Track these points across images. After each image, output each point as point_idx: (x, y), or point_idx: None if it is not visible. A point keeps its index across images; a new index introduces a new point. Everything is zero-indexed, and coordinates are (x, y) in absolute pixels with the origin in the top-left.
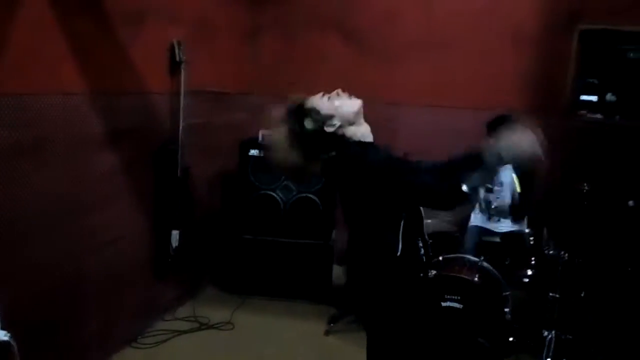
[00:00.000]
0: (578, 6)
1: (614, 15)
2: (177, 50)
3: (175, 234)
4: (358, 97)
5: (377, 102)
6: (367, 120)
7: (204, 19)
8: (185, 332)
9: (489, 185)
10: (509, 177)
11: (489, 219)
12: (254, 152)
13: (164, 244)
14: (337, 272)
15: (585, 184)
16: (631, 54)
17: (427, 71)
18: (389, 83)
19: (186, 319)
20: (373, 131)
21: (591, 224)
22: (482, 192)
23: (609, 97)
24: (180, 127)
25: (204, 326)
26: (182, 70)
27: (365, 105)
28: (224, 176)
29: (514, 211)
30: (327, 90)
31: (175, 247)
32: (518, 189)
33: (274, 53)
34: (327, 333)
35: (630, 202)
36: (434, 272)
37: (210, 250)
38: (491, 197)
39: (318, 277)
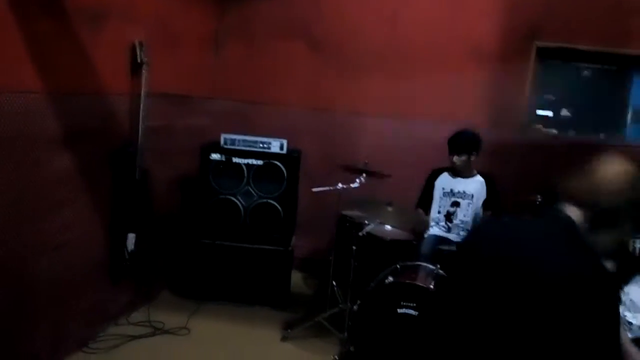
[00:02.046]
0: (536, 24)
1: (570, 34)
2: (138, 52)
3: (131, 237)
4: (321, 105)
5: (339, 112)
6: (329, 129)
7: (166, 20)
8: (139, 337)
9: (456, 199)
10: (478, 190)
11: (449, 231)
12: (215, 156)
13: (119, 247)
14: (296, 278)
15: (538, 196)
16: (586, 72)
17: (390, 83)
18: (352, 93)
19: (140, 323)
20: (335, 140)
21: None
22: (447, 206)
23: (564, 112)
24: (140, 130)
25: (158, 331)
26: (143, 72)
27: (327, 115)
28: (184, 180)
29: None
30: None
31: (131, 250)
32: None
33: (237, 58)
34: (284, 339)
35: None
36: (390, 279)
37: (168, 255)
38: (458, 211)
39: (276, 283)
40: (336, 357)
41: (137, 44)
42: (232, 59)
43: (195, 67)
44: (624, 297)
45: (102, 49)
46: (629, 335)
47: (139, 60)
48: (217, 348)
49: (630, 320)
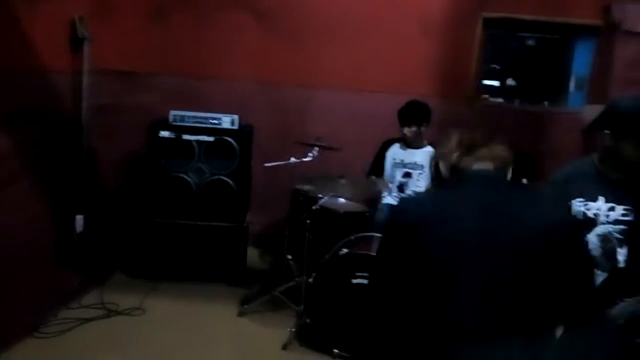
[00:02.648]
0: None
1: (514, 4)
2: (78, 26)
3: (79, 218)
4: (271, 79)
5: (290, 85)
6: (280, 102)
7: None
8: (92, 319)
9: (408, 170)
10: (428, 160)
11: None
12: (164, 133)
13: (67, 229)
14: (252, 254)
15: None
16: (530, 41)
17: (340, 55)
18: (302, 66)
19: (93, 306)
20: (286, 114)
21: None
22: (399, 177)
23: (510, 82)
24: (84, 107)
25: (112, 313)
26: (85, 48)
27: (278, 89)
28: (133, 159)
29: None
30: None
31: (80, 232)
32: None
33: (183, 32)
34: (240, 314)
35: (524, 180)
36: (345, 250)
37: (119, 235)
38: (409, 182)
39: (232, 260)
40: (292, 329)
41: (77, 18)
42: (178, 32)
43: (140, 42)
44: None
45: (40, 24)
46: None
47: (79, 36)
48: (173, 326)
49: None
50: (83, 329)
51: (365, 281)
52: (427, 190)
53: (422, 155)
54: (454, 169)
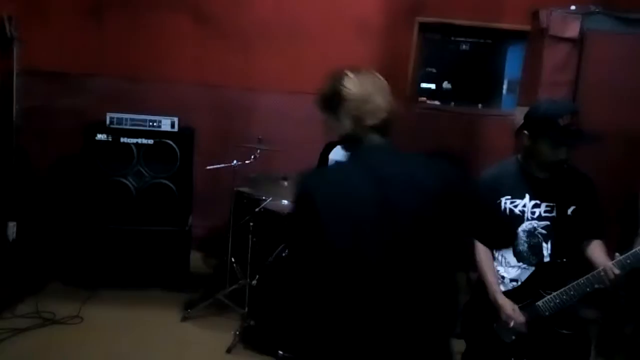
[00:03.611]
0: (417, 0)
1: (448, 10)
2: (7, 26)
3: (11, 225)
4: (212, 82)
5: (231, 87)
6: (221, 105)
7: None
8: (26, 329)
9: None
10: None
11: None
12: (100, 136)
13: None
14: (195, 258)
15: None
16: (464, 46)
17: (279, 57)
18: (242, 68)
19: (28, 315)
20: (228, 116)
21: None
22: None
23: (445, 85)
24: (14, 110)
25: (48, 322)
26: (15, 48)
27: (219, 91)
28: (69, 163)
29: None
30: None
31: (12, 240)
32: None
33: (119, 33)
34: (184, 319)
35: None
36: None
37: (55, 242)
38: None
39: (175, 264)
40: (237, 332)
41: (5, 18)
42: (114, 33)
43: (74, 43)
44: (497, 254)
45: None
46: (502, 289)
47: (8, 36)
48: (113, 334)
49: (503, 275)
50: (17, 339)
51: None
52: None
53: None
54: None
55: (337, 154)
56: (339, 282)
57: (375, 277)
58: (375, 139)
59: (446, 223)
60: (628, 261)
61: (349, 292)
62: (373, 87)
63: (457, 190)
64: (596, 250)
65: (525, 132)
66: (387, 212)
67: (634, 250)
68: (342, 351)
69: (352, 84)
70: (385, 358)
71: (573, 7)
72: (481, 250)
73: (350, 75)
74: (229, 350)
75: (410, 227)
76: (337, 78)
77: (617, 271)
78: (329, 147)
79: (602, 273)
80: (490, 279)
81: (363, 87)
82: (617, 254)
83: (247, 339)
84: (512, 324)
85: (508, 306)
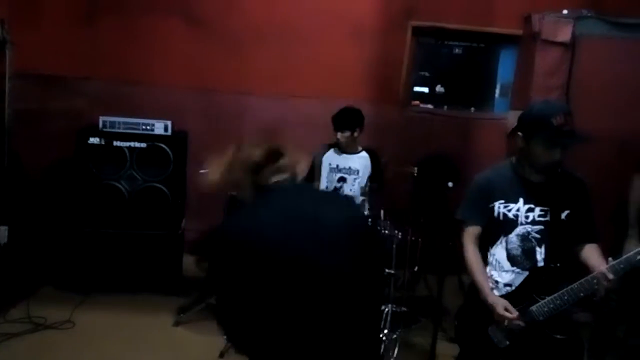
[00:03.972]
0: (410, 4)
1: (441, 14)
2: (0, 30)
3: (3, 229)
4: (205, 85)
5: (224, 91)
6: (215, 109)
7: None
8: (18, 334)
9: (343, 175)
10: (363, 166)
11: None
12: (93, 140)
13: None
14: (188, 262)
15: (415, 168)
16: (457, 50)
17: (273, 60)
18: (236, 72)
19: (19, 320)
20: (221, 120)
21: (418, 204)
22: (334, 182)
23: (438, 88)
24: (6, 113)
25: (40, 327)
26: (7, 51)
27: (213, 94)
28: (61, 166)
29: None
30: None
31: (4, 244)
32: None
33: (114, 36)
34: (176, 324)
35: (449, 184)
36: None
37: (47, 246)
38: (345, 186)
39: (168, 268)
40: None
41: None
42: (107, 36)
43: (67, 46)
44: (490, 258)
45: None
46: (496, 293)
47: (0, 39)
48: (105, 339)
49: (497, 279)
50: (8, 344)
51: None
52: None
53: (357, 160)
54: (256, 185)
55: (330, 157)
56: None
57: (289, 311)
58: (280, 177)
59: (351, 255)
60: (621, 266)
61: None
62: None
63: (359, 228)
64: (591, 254)
65: (519, 133)
66: (297, 248)
67: (626, 256)
68: None
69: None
70: None
71: (565, 12)
72: (470, 252)
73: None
74: (221, 355)
75: (318, 262)
76: None
77: (610, 276)
78: (323, 150)
79: (596, 278)
80: (481, 279)
81: None
82: (610, 258)
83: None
84: (506, 322)
85: (500, 304)
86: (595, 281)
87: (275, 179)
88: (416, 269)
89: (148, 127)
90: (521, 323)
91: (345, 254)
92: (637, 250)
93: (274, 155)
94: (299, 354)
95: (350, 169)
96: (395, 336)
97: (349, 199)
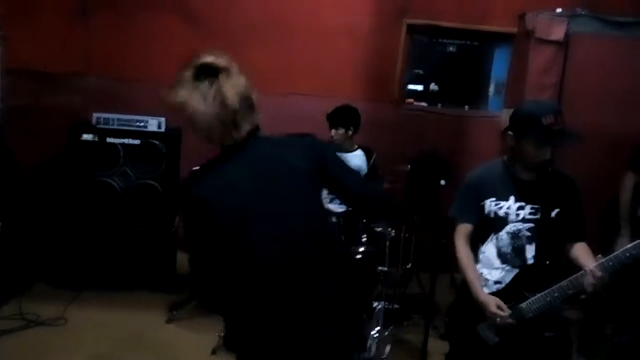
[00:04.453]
0: (404, 2)
1: (435, 12)
2: None
3: None
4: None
5: None
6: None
7: None
8: (10, 331)
9: None
10: (359, 164)
11: (330, 202)
12: (86, 136)
13: None
14: (182, 259)
15: (408, 165)
16: (451, 48)
17: (268, 58)
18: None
19: (11, 317)
20: None
21: (411, 202)
22: None
23: (433, 86)
24: None
25: (32, 323)
26: (0, 48)
27: None
28: (54, 163)
29: None
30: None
31: None
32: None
33: (108, 32)
34: (169, 321)
35: (442, 182)
36: None
37: (40, 243)
38: None
39: (161, 265)
40: (221, 334)
41: None
42: (101, 32)
43: (60, 42)
44: (480, 255)
45: None
46: (486, 291)
47: None
48: (97, 336)
49: (487, 277)
50: (1, 341)
51: None
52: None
53: (353, 158)
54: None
55: None
56: (237, 271)
57: (265, 250)
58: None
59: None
60: (610, 263)
61: (247, 279)
62: None
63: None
64: (581, 252)
65: (510, 132)
66: (266, 189)
67: (615, 253)
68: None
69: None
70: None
71: (559, 10)
72: (462, 250)
73: None
74: (214, 352)
75: (289, 198)
76: None
77: (599, 274)
78: None
79: (585, 276)
80: (472, 277)
81: None
82: (599, 256)
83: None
84: (498, 320)
85: (491, 302)
86: (584, 278)
87: (246, 127)
88: (409, 266)
89: (142, 124)
90: (512, 321)
91: (306, 180)
92: (625, 248)
93: (247, 99)
94: (261, 307)
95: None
96: (387, 333)
97: (306, 139)
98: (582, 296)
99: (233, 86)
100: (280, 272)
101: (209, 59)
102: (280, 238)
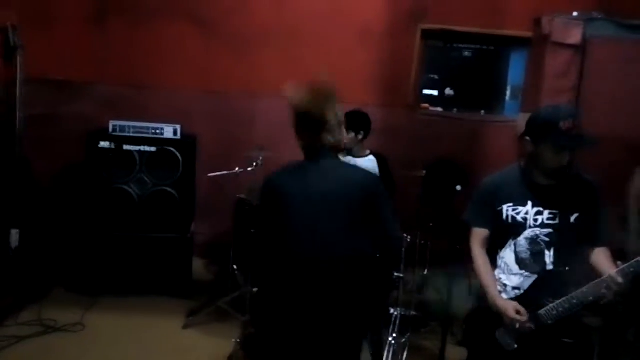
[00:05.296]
0: (419, 7)
1: (450, 17)
2: (11, 35)
3: (14, 233)
4: (214, 88)
5: (233, 93)
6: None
7: (41, 1)
8: (29, 337)
9: None
10: (370, 169)
11: None
12: (103, 144)
13: (1, 244)
14: (197, 265)
15: (423, 171)
16: (466, 52)
17: (282, 62)
18: (245, 74)
19: (30, 323)
20: (230, 123)
21: (427, 207)
22: None
23: (448, 91)
24: (18, 117)
25: (50, 329)
26: (18, 57)
27: (222, 97)
28: (72, 170)
29: None
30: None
31: (15, 247)
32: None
33: (122, 40)
34: (185, 327)
35: (458, 187)
36: None
37: (59, 250)
38: None
39: (177, 271)
40: (238, 340)
41: (9, 27)
42: (116, 41)
43: (77, 51)
44: (499, 261)
45: None
46: (505, 297)
47: (12, 44)
48: (115, 342)
49: (505, 282)
50: (19, 347)
51: None
52: (290, 164)
53: (365, 163)
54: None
55: None
56: (284, 247)
57: (308, 239)
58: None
59: (361, 208)
60: (631, 269)
61: (288, 257)
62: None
63: (371, 192)
64: (601, 258)
65: (527, 138)
66: (323, 197)
67: (636, 259)
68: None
69: None
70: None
71: (575, 14)
72: (477, 255)
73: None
74: (230, 358)
75: (337, 207)
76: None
77: (620, 280)
78: None
79: (605, 282)
80: (488, 282)
81: None
82: (619, 262)
83: (247, 346)
84: (517, 325)
85: (510, 308)
86: (604, 285)
87: (326, 140)
88: (425, 272)
89: (157, 131)
90: (532, 326)
91: (338, 224)
92: None
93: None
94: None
95: None
96: (404, 340)
97: (358, 172)
98: (603, 302)
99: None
100: (307, 264)
101: None
102: (316, 239)
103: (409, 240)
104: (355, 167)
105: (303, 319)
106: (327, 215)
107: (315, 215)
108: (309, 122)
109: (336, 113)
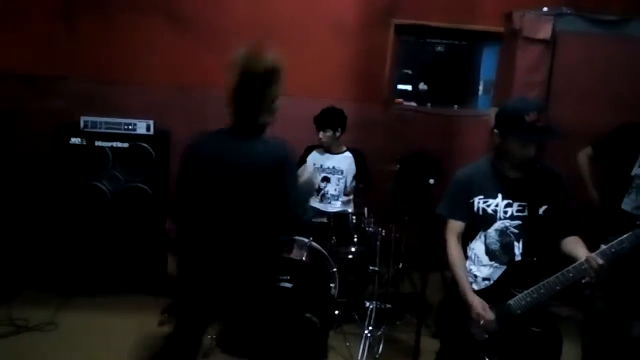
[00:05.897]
0: (392, 2)
1: (423, 12)
2: None
3: None
4: (188, 84)
5: (208, 90)
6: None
7: None
8: (0, 337)
9: (326, 175)
10: (347, 165)
11: (321, 201)
12: (74, 140)
13: None
14: (173, 262)
15: (397, 165)
16: (439, 47)
17: None
18: (218, 70)
19: (1, 323)
20: (205, 119)
21: (401, 201)
22: (318, 181)
23: (422, 86)
24: None
25: (21, 329)
26: None
27: (196, 92)
28: (42, 167)
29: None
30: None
31: None
32: (352, 178)
33: (93, 34)
34: (161, 324)
35: (431, 181)
36: None
37: (28, 248)
38: (328, 186)
39: (152, 268)
40: (213, 336)
41: None
42: (86, 35)
43: (45, 45)
44: (469, 252)
45: None
46: (475, 287)
47: None
48: (88, 341)
49: (476, 273)
50: None
51: (286, 284)
52: (210, 132)
53: (341, 160)
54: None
55: (314, 157)
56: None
57: (216, 208)
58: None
59: (268, 180)
60: (612, 250)
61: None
62: None
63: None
64: (575, 245)
65: (496, 130)
66: (233, 168)
67: (618, 239)
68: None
69: None
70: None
71: (545, 9)
72: (451, 247)
73: None
74: (206, 355)
75: (245, 179)
76: None
77: (600, 261)
78: (308, 151)
79: (585, 264)
80: (460, 275)
81: None
82: (602, 245)
83: (223, 342)
84: (481, 322)
85: (478, 304)
86: (584, 267)
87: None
88: (400, 265)
89: (130, 127)
90: (496, 325)
91: (262, 176)
92: (622, 237)
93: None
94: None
95: (333, 169)
96: (379, 332)
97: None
98: (584, 281)
99: None
100: (218, 217)
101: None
102: (226, 199)
103: (383, 234)
104: (275, 144)
105: (208, 261)
106: (234, 184)
107: (223, 183)
108: (249, 93)
109: (278, 94)
